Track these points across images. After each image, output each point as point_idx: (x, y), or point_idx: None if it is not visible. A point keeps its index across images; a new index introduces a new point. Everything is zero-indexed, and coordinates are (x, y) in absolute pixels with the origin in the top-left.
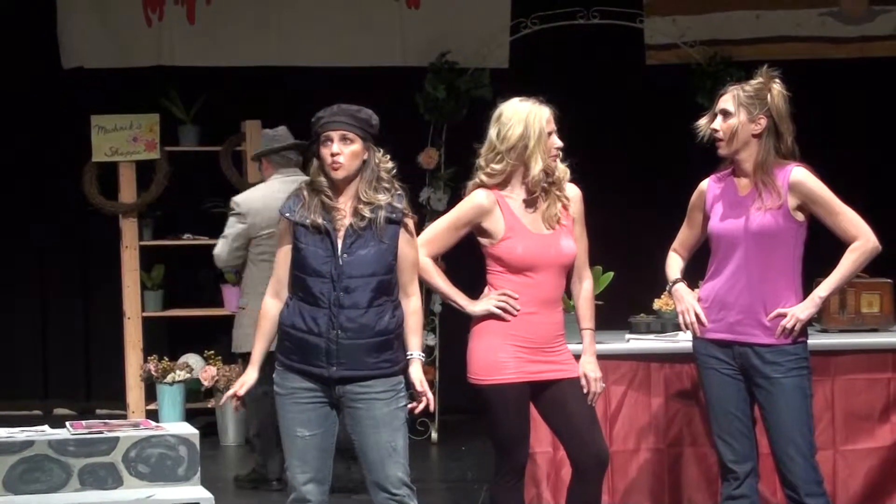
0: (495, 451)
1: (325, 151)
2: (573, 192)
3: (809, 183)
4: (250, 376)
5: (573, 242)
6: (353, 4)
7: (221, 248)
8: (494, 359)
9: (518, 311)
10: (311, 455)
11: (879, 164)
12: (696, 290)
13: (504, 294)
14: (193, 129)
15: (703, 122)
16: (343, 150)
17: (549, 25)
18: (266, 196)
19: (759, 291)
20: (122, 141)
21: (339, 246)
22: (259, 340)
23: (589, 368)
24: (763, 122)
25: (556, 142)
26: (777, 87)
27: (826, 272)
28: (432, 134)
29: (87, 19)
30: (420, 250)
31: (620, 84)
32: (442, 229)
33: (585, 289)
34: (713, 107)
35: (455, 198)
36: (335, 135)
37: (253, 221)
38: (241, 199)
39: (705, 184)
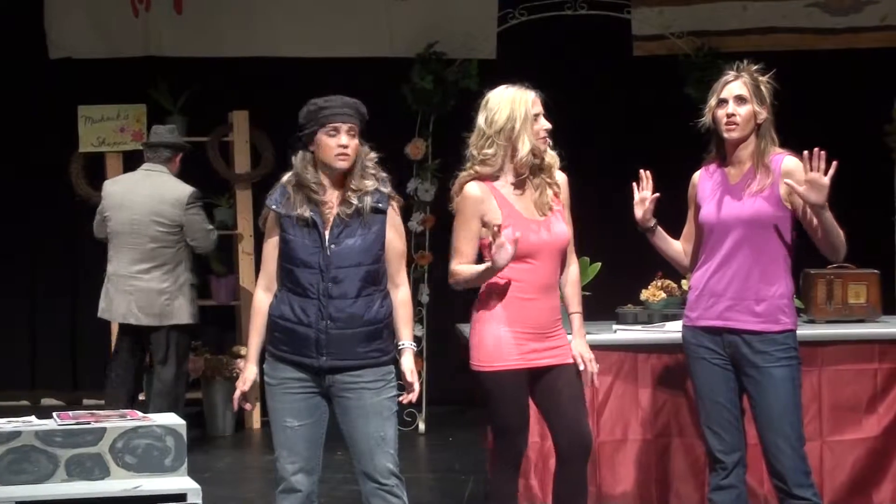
0: (494, 439)
1: (332, 141)
2: (561, 178)
3: (800, 173)
4: (252, 372)
5: (566, 227)
6: None
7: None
8: (498, 346)
9: (517, 236)
10: (301, 445)
11: (865, 155)
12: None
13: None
14: (181, 119)
15: (710, 107)
16: (350, 143)
17: (536, 16)
18: (117, 182)
19: (751, 278)
20: (110, 131)
21: (327, 236)
22: (254, 335)
23: (583, 349)
24: (765, 111)
25: (544, 124)
26: (765, 80)
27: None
28: (419, 125)
29: (75, 10)
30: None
31: (608, 75)
32: (466, 245)
33: (572, 273)
34: (715, 94)
35: (442, 189)
36: (344, 126)
37: (104, 203)
38: (105, 183)
39: (697, 175)
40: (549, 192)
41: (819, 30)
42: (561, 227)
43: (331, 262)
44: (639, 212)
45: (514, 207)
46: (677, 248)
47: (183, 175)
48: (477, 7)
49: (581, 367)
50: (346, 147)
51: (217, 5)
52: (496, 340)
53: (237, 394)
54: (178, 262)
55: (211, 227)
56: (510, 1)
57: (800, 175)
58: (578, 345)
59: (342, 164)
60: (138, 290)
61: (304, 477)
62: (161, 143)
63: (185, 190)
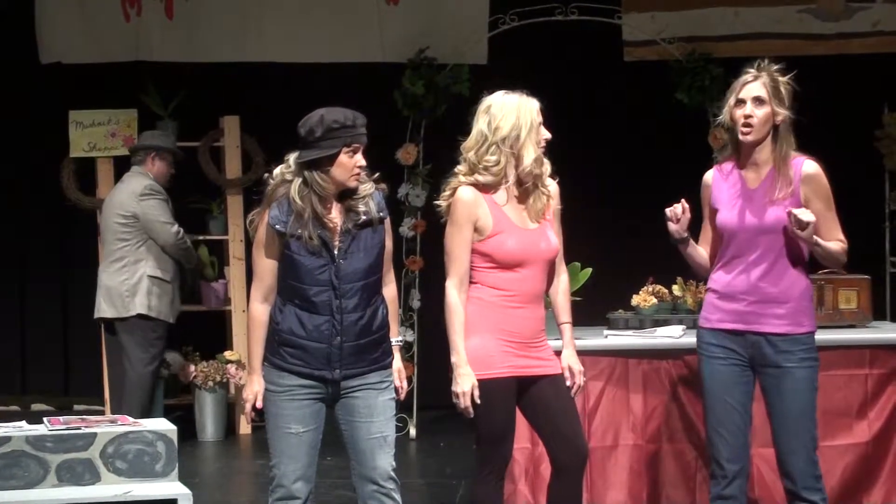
0: (478, 447)
1: (350, 162)
2: (552, 186)
3: (820, 178)
4: (260, 385)
5: (556, 237)
6: (332, 0)
7: None
8: (483, 354)
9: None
10: (303, 452)
11: (856, 161)
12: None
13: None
14: (172, 124)
15: (729, 106)
16: (363, 162)
17: (527, 21)
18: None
19: (775, 282)
20: (100, 136)
21: (336, 253)
22: (257, 348)
23: (572, 362)
24: (784, 113)
25: (545, 133)
26: (786, 81)
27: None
28: (411, 130)
29: (66, 14)
30: (457, 290)
31: (599, 80)
32: (461, 254)
33: (563, 282)
34: (734, 93)
35: (434, 194)
36: (362, 146)
37: None
38: None
39: (710, 176)
40: (543, 199)
41: (810, 35)
42: (552, 237)
43: (341, 279)
44: (672, 226)
45: (506, 215)
46: (704, 255)
47: (174, 180)
48: (468, 12)
49: (568, 381)
50: (362, 167)
51: (208, 11)
52: (484, 349)
53: (248, 408)
54: (137, 258)
55: (168, 220)
56: (501, 6)
57: (819, 182)
58: (568, 356)
59: (355, 184)
60: (103, 285)
61: (303, 485)
62: (137, 147)
63: (142, 182)
